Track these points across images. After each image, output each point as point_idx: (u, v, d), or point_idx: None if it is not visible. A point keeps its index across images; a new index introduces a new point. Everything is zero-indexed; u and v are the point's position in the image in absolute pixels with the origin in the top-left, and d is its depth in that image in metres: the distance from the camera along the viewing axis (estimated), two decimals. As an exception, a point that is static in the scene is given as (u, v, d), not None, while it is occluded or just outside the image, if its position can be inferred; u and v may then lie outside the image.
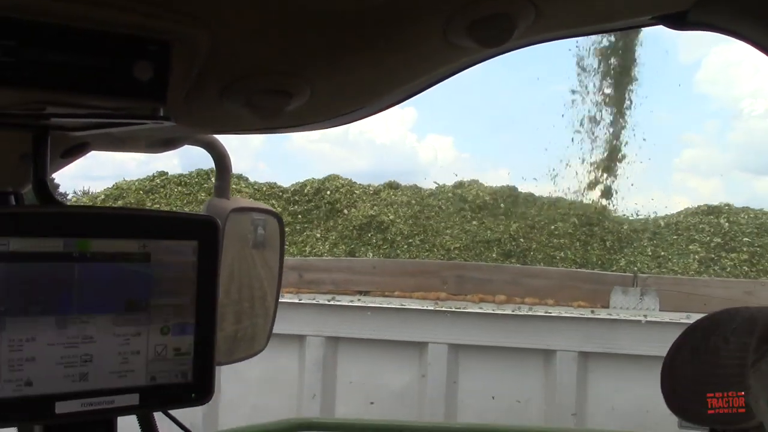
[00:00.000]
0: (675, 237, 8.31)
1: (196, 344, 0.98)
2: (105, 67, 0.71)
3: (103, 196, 9.36)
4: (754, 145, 14.33)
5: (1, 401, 0.85)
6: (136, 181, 9.54)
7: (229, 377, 4.58)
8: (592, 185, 9.38)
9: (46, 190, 0.98)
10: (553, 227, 8.23)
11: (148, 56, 0.72)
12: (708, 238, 8.21)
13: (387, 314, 5.01)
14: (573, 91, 9.52)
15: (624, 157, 9.39)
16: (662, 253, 8.01)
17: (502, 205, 8.60)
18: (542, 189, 9.54)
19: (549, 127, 17.70)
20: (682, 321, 4.80)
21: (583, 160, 9.50)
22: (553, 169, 9.59)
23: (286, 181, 9.38)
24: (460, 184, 9.17)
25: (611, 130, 9.32)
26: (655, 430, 4.09)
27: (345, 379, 5.07)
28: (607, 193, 9.27)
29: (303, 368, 5.00)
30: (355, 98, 1.02)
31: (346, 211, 8.57)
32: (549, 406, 4.91)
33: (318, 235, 8.30)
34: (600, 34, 7.84)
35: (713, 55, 15.78)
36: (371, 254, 7.92)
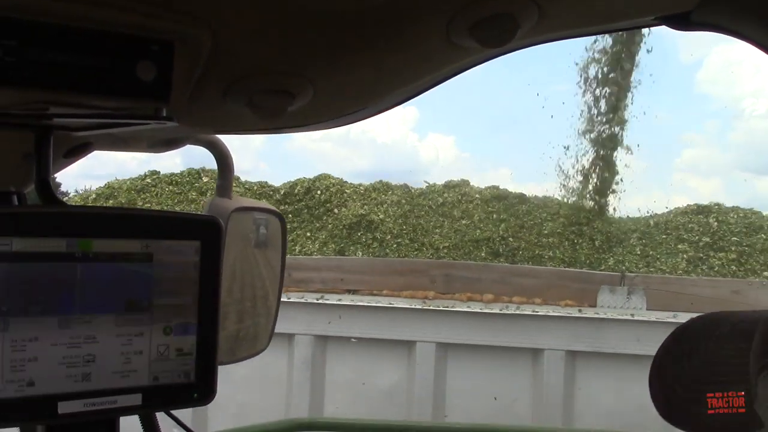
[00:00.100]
0: (664, 236, 8.33)
1: (199, 344, 0.99)
2: (108, 67, 0.72)
3: (94, 195, 9.33)
4: (755, 145, 14.39)
5: (3, 401, 0.86)
6: (128, 180, 9.51)
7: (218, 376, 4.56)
8: (591, 186, 9.37)
9: (48, 190, 0.98)
10: (542, 226, 8.25)
11: (150, 56, 0.72)
12: (697, 237, 8.23)
13: (375, 313, 5.01)
14: (576, 92, 9.53)
15: (623, 158, 9.39)
16: (651, 253, 8.02)
17: (491, 204, 8.61)
18: (542, 189, 9.57)
19: (550, 127, 17.74)
20: (669, 320, 4.82)
21: (584, 160, 9.51)
22: (558, 168, 9.59)
23: (288, 181, 9.36)
24: (450, 184, 9.17)
25: (611, 130, 9.31)
26: (644, 428, 4.11)
27: (333, 378, 5.08)
28: (606, 193, 9.27)
29: (292, 366, 5.00)
30: (357, 98, 1.02)
31: (336, 211, 8.57)
32: (537, 404, 4.92)
33: (308, 234, 8.30)
34: (603, 35, 7.86)
35: (714, 55, 15.82)
36: (361, 253, 7.92)
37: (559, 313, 4.98)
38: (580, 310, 5.02)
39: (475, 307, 5.05)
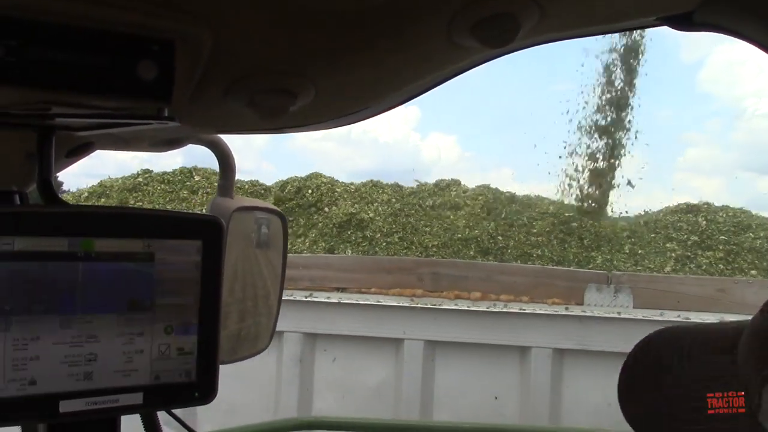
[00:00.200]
0: (653, 235, 8.38)
1: (200, 344, 0.99)
2: (109, 66, 0.71)
3: (86, 194, 9.34)
4: (757, 144, 14.42)
5: (5, 400, 0.86)
6: (120, 179, 9.52)
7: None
8: (593, 186, 9.38)
9: (50, 190, 0.98)
10: (532, 225, 8.28)
11: (151, 55, 0.72)
12: (685, 236, 8.28)
13: (364, 310, 5.02)
14: (578, 92, 9.54)
15: (624, 157, 9.41)
16: (639, 251, 8.07)
17: (481, 203, 8.64)
18: (543, 188, 9.57)
19: (551, 126, 17.76)
20: (655, 318, 4.85)
21: (585, 160, 9.52)
22: (561, 169, 9.59)
23: (280, 179, 9.37)
24: (441, 183, 9.21)
25: (614, 129, 9.33)
26: (630, 426, 4.13)
27: (322, 375, 5.09)
28: (608, 193, 9.28)
29: (281, 364, 5.00)
30: (358, 98, 1.02)
31: (327, 209, 8.59)
32: (524, 402, 4.93)
33: (299, 233, 8.32)
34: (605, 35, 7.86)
35: (716, 55, 15.82)
36: (350, 251, 7.95)
37: (546, 311, 4.99)
38: (567, 308, 5.03)
39: (463, 305, 5.06)
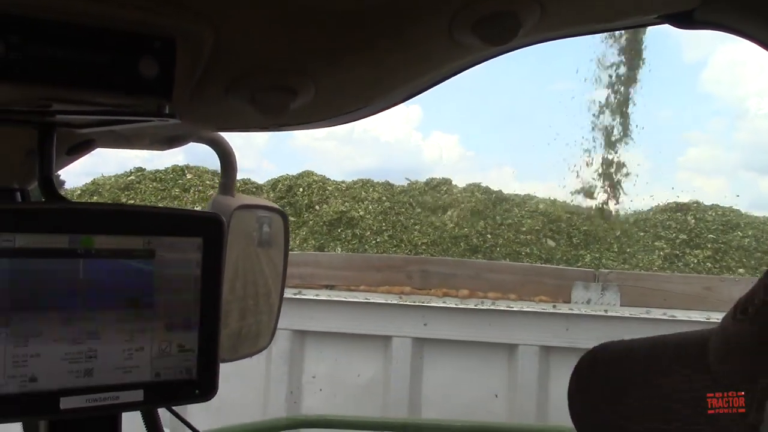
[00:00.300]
0: (642, 234, 8.41)
1: (200, 341, 0.98)
2: (110, 63, 0.71)
3: (79, 191, 9.33)
4: (759, 144, 14.42)
5: (5, 397, 0.86)
6: (113, 177, 9.51)
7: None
8: (594, 185, 9.38)
9: (51, 187, 0.98)
10: (521, 224, 8.30)
11: (153, 53, 0.72)
12: (674, 234, 8.33)
13: (352, 308, 5.04)
14: (580, 91, 9.53)
15: (626, 157, 9.40)
16: (628, 250, 8.11)
17: (471, 201, 8.65)
18: (544, 188, 9.56)
19: (553, 126, 17.76)
20: (642, 316, 4.88)
21: (586, 160, 9.52)
22: (565, 167, 9.59)
23: (271, 178, 9.37)
24: (432, 182, 9.23)
25: (615, 129, 9.33)
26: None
27: (311, 372, 5.10)
28: (610, 192, 9.28)
29: (270, 361, 5.02)
30: (358, 96, 1.02)
31: (317, 207, 8.61)
32: (512, 399, 4.95)
33: (290, 230, 8.34)
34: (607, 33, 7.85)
35: (719, 55, 15.78)
36: (340, 249, 7.97)
37: (533, 308, 5.01)
38: (554, 306, 5.05)
39: (451, 303, 5.08)
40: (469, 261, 6.55)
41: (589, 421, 0.81)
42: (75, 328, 0.89)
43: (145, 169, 9.63)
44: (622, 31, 8.43)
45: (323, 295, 5.12)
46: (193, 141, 1.31)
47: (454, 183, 9.21)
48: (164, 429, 1.31)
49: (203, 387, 1.00)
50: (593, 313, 4.96)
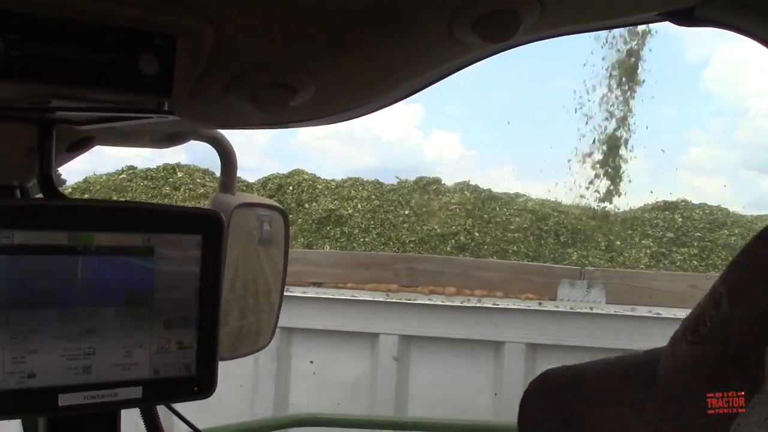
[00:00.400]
0: (629, 232, 8.45)
1: (199, 338, 0.98)
2: (110, 60, 0.71)
3: (70, 189, 9.32)
4: (760, 143, 14.42)
5: (4, 393, 0.85)
6: (105, 175, 9.51)
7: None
8: (594, 185, 9.37)
9: (51, 184, 0.98)
10: (509, 222, 8.33)
11: (153, 50, 0.72)
12: (661, 233, 8.37)
13: (340, 305, 5.06)
14: (582, 90, 9.53)
15: (626, 157, 9.39)
16: (615, 248, 8.15)
17: (460, 200, 8.68)
18: (545, 187, 9.52)
19: (554, 125, 17.77)
20: (627, 313, 4.92)
21: (587, 160, 9.51)
22: (567, 167, 9.59)
23: (262, 176, 9.38)
24: (421, 181, 9.25)
25: (616, 128, 9.32)
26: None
27: (298, 370, 5.12)
28: (610, 192, 9.28)
29: (257, 358, 5.03)
30: (359, 94, 1.02)
31: (307, 206, 8.62)
32: (498, 396, 4.98)
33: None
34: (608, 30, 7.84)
35: (720, 54, 15.75)
36: (329, 247, 7.99)
37: (519, 306, 5.04)
38: (540, 304, 5.09)
39: (437, 300, 5.11)
40: (456, 259, 6.57)
41: None
42: (74, 325, 0.89)
43: (136, 167, 9.62)
44: (625, 30, 8.46)
45: (311, 292, 5.13)
46: (194, 139, 1.31)
47: (443, 182, 9.24)
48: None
49: (202, 384, 0.99)
50: (579, 310, 4.99)
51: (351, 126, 16.13)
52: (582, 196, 9.25)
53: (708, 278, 5.64)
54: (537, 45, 0.90)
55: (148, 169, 9.50)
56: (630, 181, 9.30)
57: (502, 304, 5.07)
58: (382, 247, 8.01)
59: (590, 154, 9.45)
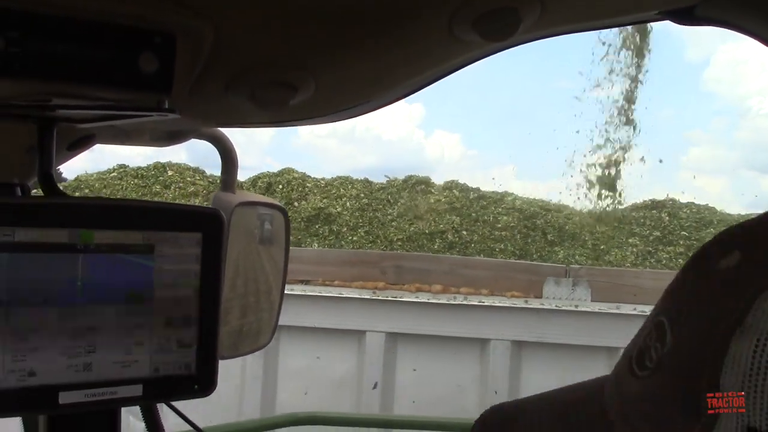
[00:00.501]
0: (615, 229, 8.49)
1: (200, 336, 0.97)
2: (110, 58, 0.71)
3: (61, 187, 9.29)
4: (760, 143, 14.40)
5: (4, 391, 0.85)
6: (96, 173, 9.50)
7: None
8: (596, 185, 9.36)
9: (51, 182, 0.97)
10: (497, 220, 8.35)
11: (153, 48, 0.72)
12: (648, 231, 8.40)
13: (327, 303, 5.09)
14: (583, 89, 9.52)
15: (628, 156, 9.39)
16: (602, 247, 8.18)
17: (448, 198, 8.70)
18: (546, 187, 9.48)
19: (555, 124, 17.78)
20: (612, 311, 4.96)
21: (587, 159, 9.51)
22: (567, 166, 9.58)
23: (252, 175, 9.37)
24: (410, 180, 9.27)
25: (617, 128, 9.32)
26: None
27: (286, 367, 5.14)
28: (612, 192, 9.27)
29: (245, 356, 5.03)
30: (359, 92, 1.02)
31: (296, 204, 8.64)
32: (483, 393, 5.02)
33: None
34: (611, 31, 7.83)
35: (721, 53, 15.74)
36: (317, 245, 8.01)
37: (505, 303, 5.08)
38: (526, 301, 5.12)
39: (424, 298, 5.14)
40: (443, 257, 6.59)
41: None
42: (74, 323, 0.89)
43: (127, 165, 9.61)
44: (626, 29, 8.46)
45: (298, 290, 5.14)
46: (194, 137, 1.31)
47: (433, 181, 9.25)
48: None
49: (202, 382, 0.99)
50: (564, 308, 5.03)
51: (352, 125, 16.07)
52: (583, 196, 9.28)
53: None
54: (539, 44, 0.91)
55: (139, 168, 9.49)
56: (632, 180, 9.34)
57: (488, 301, 5.11)
58: (370, 245, 8.04)
59: (591, 154, 9.46)
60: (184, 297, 0.96)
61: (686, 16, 0.79)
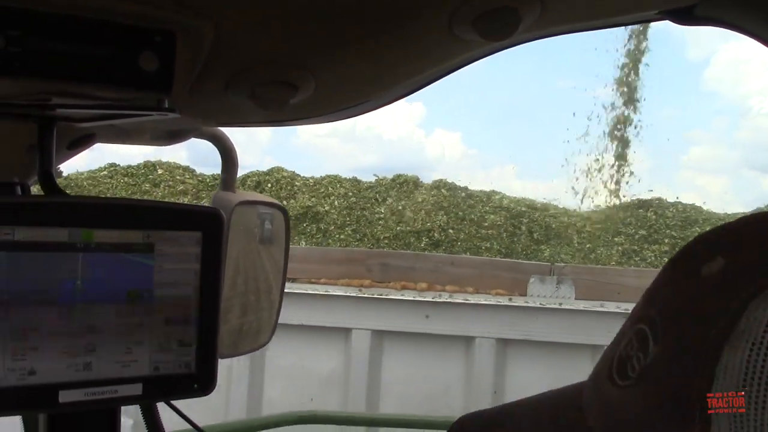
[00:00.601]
0: (602, 230, 8.53)
1: (199, 335, 0.98)
2: (110, 57, 0.71)
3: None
4: (761, 143, 14.42)
5: (4, 390, 0.85)
6: (86, 172, 9.49)
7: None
8: (597, 184, 9.38)
9: (51, 181, 0.97)
10: (484, 219, 8.39)
11: (153, 47, 0.72)
12: (633, 230, 8.45)
13: (313, 301, 5.09)
14: (583, 88, 9.51)
15: (631, 155, 9.41)
16: (588, 245, 8.23)
17: (436, 197, 8.73)
18: (546, 186, 9.48)
19: (556, 124, 17.79)
20: (596, 309, 4.99)
21: (589, 158, 9.53)
22: (568, 165, 9.60)
23: (241, 174, 9.36)
24: (399, 179, 9.29)
25: (617, 128, 9.33)
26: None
27: (272, 365, 5.15)
28: (614, 191, 9.29)
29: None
30: (358, 91, 1.02)
31: (285, 202, 8.65)
32: (469, 391, 5.05)
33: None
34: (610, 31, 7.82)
35: (722, 53, 15.74)
36: (304, 243, 8.02)
37: (490, 301, 5.10)
38: (510, 299, 5.14)
39: (409, 296, 5.15)
40: (429, 255, 6.62)
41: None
42: (74, 322, 0.89)
43: (118, 164, 9.61)
44: (626, 29, 8.48)
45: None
46: (194, 136, 1.31)
47: (421, 180, 9.28)
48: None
49: (202, 381, 0.99)
50: (549, 306, 5.06)
51: (352, 124, 15.96)
52: (583, 196, 9.30)
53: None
54: (539, 44, 0.91)
55: (129, 166, 9.49)
56: (629, 180, 9.37)
57: (473, 299, 5.12)
58: (357, 243, 8.07)
59: (591, 154, 9.48)
60: (184, 296, 0.96)
61: (686, 16, 0.79)
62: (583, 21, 0.85)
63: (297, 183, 9.02)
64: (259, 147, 15.41)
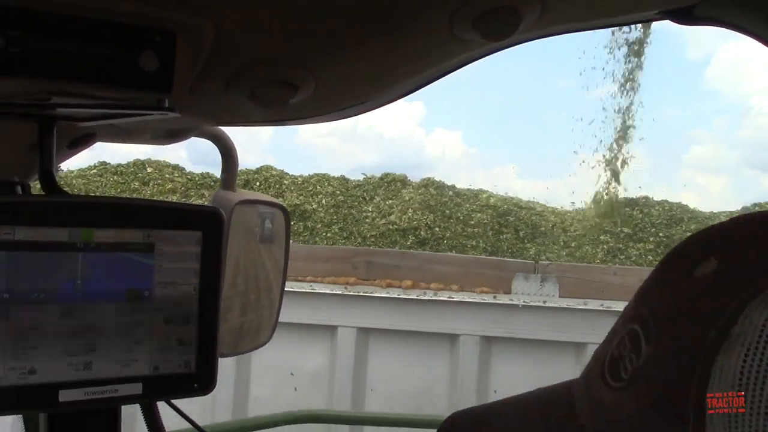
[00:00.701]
0: (588, 228, 8.57)
1: (200, 334, 0.97)
2: (110, 56, 0.71)
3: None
4: (761, 142, 14.46)
5: (4, 389, 0.85)
6: (76, 170, 9.48)
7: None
8: (602, 184, 9.38)
9: (51, 181, 0.97)
10: (470, 217, 8.42)
11: (153, 46, 0.72)
12: (619, 228, 8.50)
13: (299, 298, 5.10)
14: (584, 88, 9.52)
15: (629, 155, 9.43)
16: (573, 243, 8.27)
17: (423, 195, 8.75)
18: (546, 186, 9.49)
19: (556, 124, 17.82)
20: (580, 307, 5.04)
21: (588, 159, 9.54)
22: (569, 167, 9.60)
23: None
24: (386, 177, 9.32)
25: (618, 128, 9.35)
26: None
27: (258, 363, 5.17)
28: (614, 191, 9.30)
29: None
30: (359, 91, 1.02)
31: (273, 201, 8.67)
32: (453, 388, 5.09)
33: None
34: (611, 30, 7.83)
35: (723, 52, 15.77)
36: (291, 241, 8.04)
37: (474, 299, 5.13)
38: (495, 297, 5.17)
39: (394, 293, 5.18)
40: (414, 252, 6.64)
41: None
42: (74, 321, 0.89)
43: (108, 162, 9.60)
44: (627, 29, 8.49)
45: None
46: (195, 136, 1.30)
47: (409, 178, 9.31)
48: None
49: (202, 380, 0.99)
50: (533, 303, 5.09)
51: (353, 123, 15.93)
52: (582, 195, 9.33)
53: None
54: (539, 44, 0.91)
55: (119, 165, 9.49)
56: (633, 180, 9.41)
57: (458, 297, 5.16)
58: (344, 241, 8.09)
59: (592, 154, 9.50)
60: (184, 295, 0.96)
61: (686, 16, 0.79)
62: (583, 21, 0.85)
63: (285, 181, 9.04)
64: (261, 146, 15.39)
